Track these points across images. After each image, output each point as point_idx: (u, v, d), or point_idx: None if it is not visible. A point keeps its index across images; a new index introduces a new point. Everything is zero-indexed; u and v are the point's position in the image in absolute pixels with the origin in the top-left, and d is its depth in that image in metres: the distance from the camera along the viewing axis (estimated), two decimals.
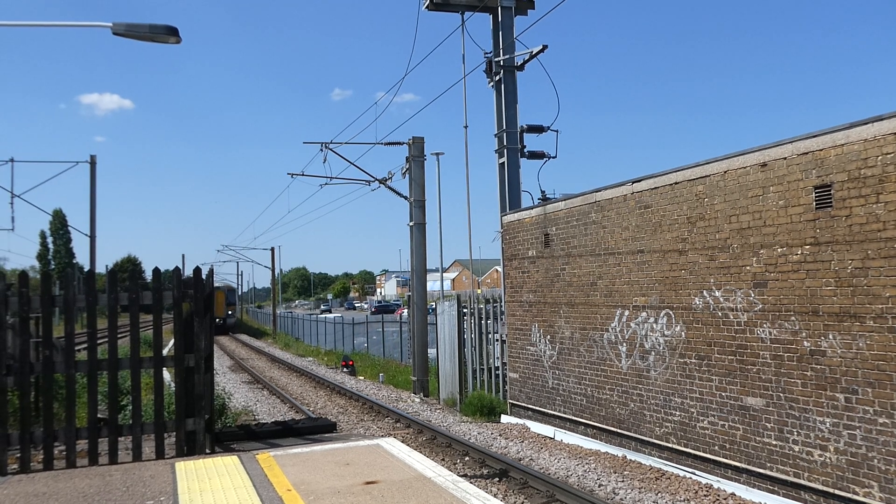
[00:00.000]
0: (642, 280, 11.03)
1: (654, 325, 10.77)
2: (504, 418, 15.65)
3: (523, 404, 14.79)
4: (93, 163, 29.76)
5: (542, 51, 16.93)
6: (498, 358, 17.53)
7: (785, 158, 8.58)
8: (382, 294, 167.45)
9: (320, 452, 7.70)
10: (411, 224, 23.71)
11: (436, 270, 36.14)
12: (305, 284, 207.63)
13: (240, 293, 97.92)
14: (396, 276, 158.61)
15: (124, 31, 11.53)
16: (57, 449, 7.57)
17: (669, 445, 10.47)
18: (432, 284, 69.61)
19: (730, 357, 9.37)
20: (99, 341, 8.40)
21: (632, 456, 11.18)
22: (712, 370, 9.67)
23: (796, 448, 8.43)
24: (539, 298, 13.99)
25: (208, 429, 7.93)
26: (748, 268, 9.06)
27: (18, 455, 7.37)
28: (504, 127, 17.56)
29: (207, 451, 7.88)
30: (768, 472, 8.79)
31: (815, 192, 8.18)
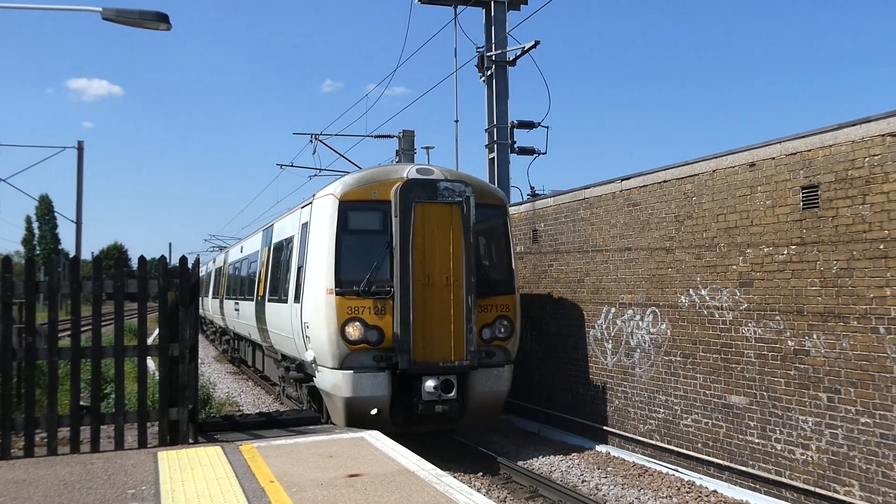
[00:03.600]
0: (629, 277, 11.05)
1: (640, 323, 10.80)
2: None
3: (508, 399, 14.80)
4: (80, 148, 29.52)
5: (534, 46, 16.90)
6: None
7: (773, 158, 8.61)
8: None
9: (304, 444, 7.68)
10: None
11: None
12: None
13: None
14: None
15: (114, 17, 11.42)
16: (38, 436, 7.52)
17: (653, 442, 10.51)
18: None
19: (714, 355, 9.40)
20: (83, 329, 8.34)
21: (615, 452, 11.21)
22: (697, 368, 9.70)
23: (778, 446, 8.48)
24: (526, 294, 14.00)
25: (192, 419, 7.89)
26: (734, 267, 9.09)
27: None
28: (495, 122, 17.53)
29: (190, 441, 7.85)
30: (750, 470, 8.84)
31: (803, 193, 8.22)
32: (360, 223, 10.59)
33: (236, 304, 20.60)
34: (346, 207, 10.47)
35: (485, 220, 11.06)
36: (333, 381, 10.14)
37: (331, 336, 10.03)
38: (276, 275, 14.25)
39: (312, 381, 11.25)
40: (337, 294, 10.08)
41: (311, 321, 10.60)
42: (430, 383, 10.12)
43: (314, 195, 11.62)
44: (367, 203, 10.54)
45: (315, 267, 10.67)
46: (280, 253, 14.16)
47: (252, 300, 17.14)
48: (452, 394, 10.27)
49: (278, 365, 14.91)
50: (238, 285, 20.75)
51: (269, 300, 14.48)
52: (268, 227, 16.88)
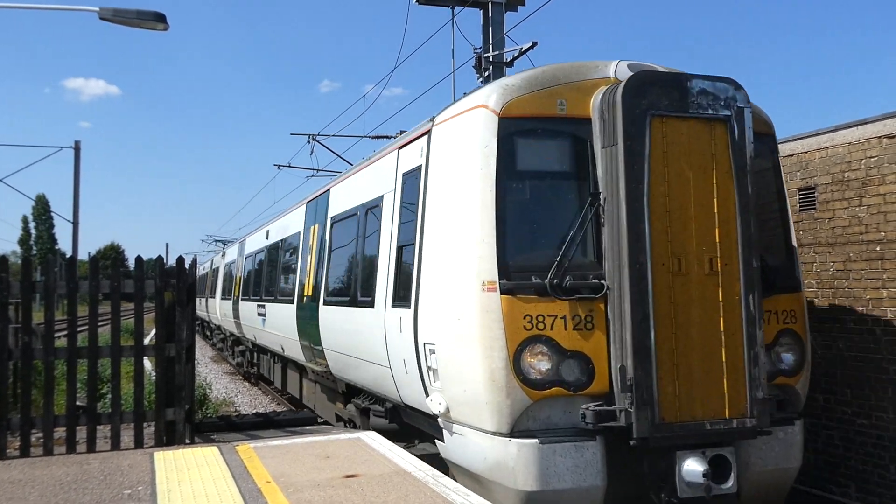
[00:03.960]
0: None
1: None
2: None
3: None
4: (77, 148, 29.45)
5: (531, 47, 16.88)
6: None
7: None
8: None
9: (301, 445, 7.67)
10: None
11: None
12: None
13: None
14: None
15: (111, 17, 11.41)
16: (34, 436, 7.50)
17: None
18: None
19: None
20: (79, 329, 8.32)
21: None
22: None
23: None
24: None
25: (188, 419, 7.88)
26: None
27: None
28: None
29: (187, 441, 7.83)
30: None
31: (799, 195, 8.23)
32: (538, 159, 6.02)
33: (260, 307, 15.63)
34: (514, 129, 5.88)
35: None
36: (497, 459, 5.64)
37: (494, 371, 5.55)
38: (345, 263, 9.41)
39: (429, 443, 7.16)
40: (503, 292, 5.62)
41: (443, 341, 6.13)
42: (693, 465, 5.41)
43: (432, 119, 7.00)
44: (551, 122, 5.97)
45: (450, 243, 6.18)
46: (350, 228, 9.23)
47: (289, 302, 12.32)
48: (730, 483, 5.54)
49: (338, 400, 10.22)
50: (263, 282, 15.89)
51: (329, 303, 9.78)
52: (319, 196, 11.52)
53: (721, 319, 5.62)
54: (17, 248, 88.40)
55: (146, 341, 8.14)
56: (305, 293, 11.25)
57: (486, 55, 17.66)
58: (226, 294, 23.81)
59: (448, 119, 6.59)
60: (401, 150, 7.78)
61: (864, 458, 7.47)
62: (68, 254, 41.42)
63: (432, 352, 6.31)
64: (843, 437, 7.68)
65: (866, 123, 7.54)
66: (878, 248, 7.35)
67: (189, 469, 6.63)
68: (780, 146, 8.49)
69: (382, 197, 8.11)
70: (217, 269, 28.16)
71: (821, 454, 7.92)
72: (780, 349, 6.15)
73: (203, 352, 34.32)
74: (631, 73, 5.90)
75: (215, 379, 23.91)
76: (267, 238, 16.31)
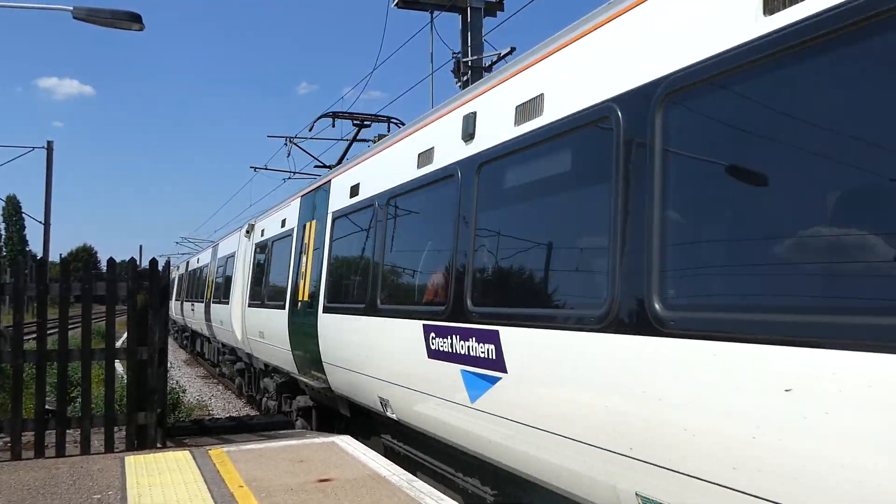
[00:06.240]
0: None
1: None
2: None
3: None
4: (49, 149, 29.10)
5: (510, 52, 16.97)
6: None
7: None
8: None
9: (274, 449, 7.63)
10: None
11: None
12: None
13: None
14: None
15: (85, 16, 11.31)
16: (2, 440, 7.40)
17: None
18: None
19: None
20: (50, 332, 8.22)
21: None
22: None
23: None
24: None
25: (160, 423, 7.81)
26: None
27: None
28: None
29: (159, 445, 7.77)
30: None
31: None
32: None
33: None
34: None
35: None
36: None
37: None
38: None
39: None
40: None
41: None
42: None
43: None
44: None
45: None
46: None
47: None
48: None
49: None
50: None
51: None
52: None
53: None
54: None
55: (118, 344, 8.05)
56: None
57: (464, 60, 17.73)
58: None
59: None
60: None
61: None
62: (39, 256, 40.87)
63: None
64: None
65: None
66: None
67: (160, 473, 6.57)
68: None
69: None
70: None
71: None
72: None
73: (176, 355, 33.98)
74: None
75: (189, 383, 23.70)
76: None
